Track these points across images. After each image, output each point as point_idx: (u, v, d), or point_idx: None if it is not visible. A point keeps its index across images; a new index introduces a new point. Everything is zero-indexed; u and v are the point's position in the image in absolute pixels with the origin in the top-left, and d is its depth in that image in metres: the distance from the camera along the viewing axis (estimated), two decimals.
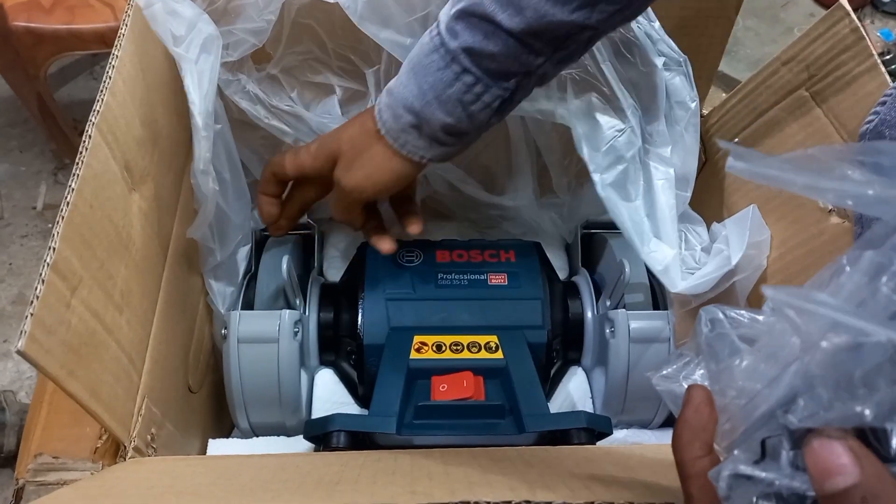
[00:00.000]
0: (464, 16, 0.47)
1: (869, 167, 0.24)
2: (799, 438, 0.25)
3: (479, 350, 0.65)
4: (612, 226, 0.66)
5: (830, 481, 0.23)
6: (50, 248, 0.39)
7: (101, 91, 0.47)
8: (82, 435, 0.49)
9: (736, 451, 0.27)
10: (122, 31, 0.50)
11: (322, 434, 0.57)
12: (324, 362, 0.70)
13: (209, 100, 0.55)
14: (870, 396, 0.24)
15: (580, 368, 0.72)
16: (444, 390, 0.62)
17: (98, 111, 0.46)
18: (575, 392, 0.71)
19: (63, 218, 0.40)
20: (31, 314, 0.36)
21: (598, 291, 0.70)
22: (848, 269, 0.25)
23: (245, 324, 0.63)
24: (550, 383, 0.71)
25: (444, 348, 0.65)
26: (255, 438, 0.67)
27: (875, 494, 0.22)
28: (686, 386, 0.32)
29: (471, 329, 0.66)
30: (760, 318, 0.31)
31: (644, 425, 0.70)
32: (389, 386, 0.61)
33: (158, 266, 0.57)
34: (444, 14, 0.49)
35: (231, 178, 0.63)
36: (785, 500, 0.25)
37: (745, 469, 0.26)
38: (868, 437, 0.24)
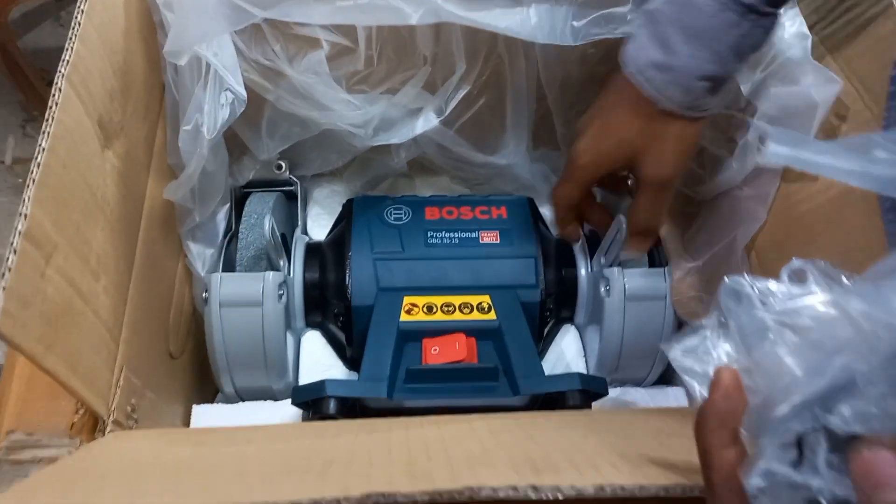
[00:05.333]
0: None
1: None
2: (843, 442, 0.23)
3: (472, 311, 0.63)
4: None
5: (881, 494, 0.21)
6: (21, 215, 0.36)
7: (71, 39, 0.43)
8: (58, 409, 0.46)
9: (767, 447, 0.25)
10: None
11: (312, 401, 0.55)
12: (310, 324, 0.68)
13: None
14: None
15: (573, 327, 0.70)
16: (435, 353, 0.60)
17: (68, 61, 0.42)
18: (567, 350, 0.70)
19: (34, 180, 0.37)
20: (4, 287, 0.33)
21: (594, 247, 0.68)
22: None
23: (227, 286, 0.60)
24: (543, 342, 0.70)
25: (434, 309, 0.63)
26: (240, 403, 0.65)
27: None
28: (710, 364, 0.30)
29: (462, 289, 0.64)
30: (794, 290, 0.29)
31: (637, 383, 0.69)
32: (379, 349, 0.59)
33: (133, 228, 0.54)
34: None
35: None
36: None
37: (780, 468, 0.24)
38: None
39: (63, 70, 0.41)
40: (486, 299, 0.64)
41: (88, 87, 0.44)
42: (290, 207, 0.73)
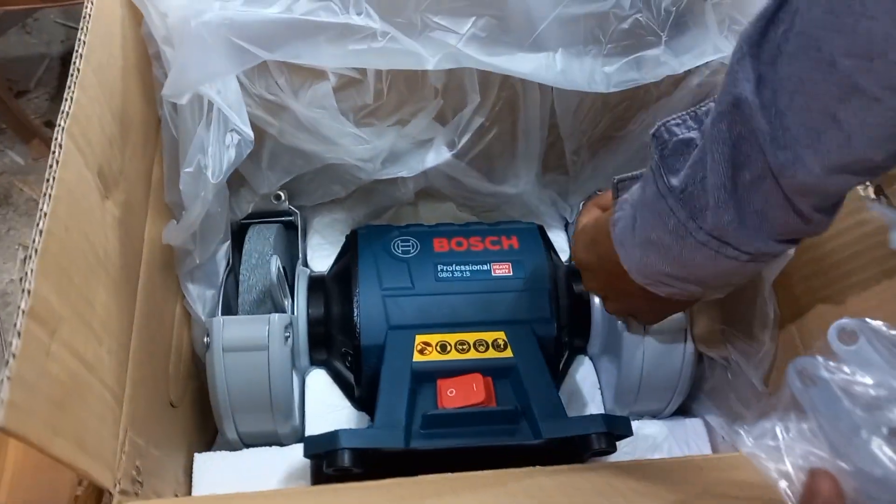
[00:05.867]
0: None
1: None
2: None
3: (487, 349, 0.60)
4: None
5: None
6: (24, 292, 0.32)
7: (70, 87, 0.40)
8: (58, 481, 0.43)
9: None
10: (87, 9, 0.42)
11: (325, 452, 0.52)
12: (315, 362, 0.65)
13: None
14: None
15: (587, 358, 0.68)
16: (452, 395, 0.57)
17: (68, 112, 0.38)
18: (583, 383, 0.68)
19: (37, 251, 0.34)
20: (9, 377, 0.30)
21: None
22: None
23: (230, 331, 0.57)
24: (560, 373, 0.68)
25: (448, 348, 0.60)
26: (244, 451, 0.61)
27: None
28: (787, 455, 0.27)
29: (476, 325, 0.62)
30: (876, 377, 0.27)
31: (655, 415, 0.67)
32: (393, 393, 0.57)
33: (133, 277, 0.51)
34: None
35: None
36: None
37: None
38: None
39: (63, 123, 0.38)
40: (500, 335, 0.61)
41: (88, 137, 0.41)
42: (290, 238, 0.70)
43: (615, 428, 0.55)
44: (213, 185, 0.51)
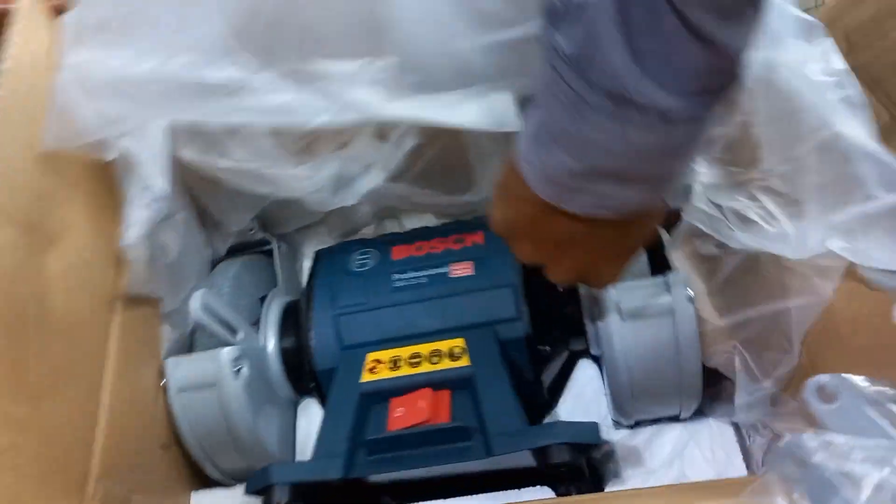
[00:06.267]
0: None
1: None
2: None
3: (441, 359, 0.54)
4: None
5: None
6: None
7: None
8: None
9: None
10: (7, 62, 0.45)
11: (262, 489, 0.50)
12: (303, 391, 0.63)
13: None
14: None
15: (587, 361, 0.59)
16: (399, 416, 0.52)
17: None
18: (586, 390, 0.59)
19: None
20: None
21: None
22: None
23: (181, 370, 0.57)
24: (557, 379, 0.59)
25: (400, 363, 0.55)
26: (238, 487, 0.61)
27: None
28: None
29: (434, 335, 0.56)
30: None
31: (673, 418, 0.56)
32: (336, 419, 0.53)
33: (100, 322, 0.52)
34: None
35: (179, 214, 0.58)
36: None
37: None
38: None
39: None
40: (459, 343, 0.55)
41: (7, 194, 0.43)
42: (273, 267, 0.69)
43: (578, 437, 0.47)
44: (133, 245, 0.51)
